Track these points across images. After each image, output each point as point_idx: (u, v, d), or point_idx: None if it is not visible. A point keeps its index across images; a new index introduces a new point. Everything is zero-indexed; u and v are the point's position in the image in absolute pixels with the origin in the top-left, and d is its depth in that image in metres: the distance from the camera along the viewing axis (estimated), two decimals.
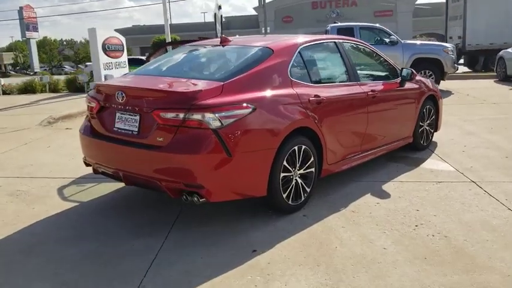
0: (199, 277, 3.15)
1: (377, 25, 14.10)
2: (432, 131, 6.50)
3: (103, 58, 14.75)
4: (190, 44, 5.12)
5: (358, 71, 5.07)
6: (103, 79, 14.54)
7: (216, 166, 3.53)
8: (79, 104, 11.45)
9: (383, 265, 3.25)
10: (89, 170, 5.44)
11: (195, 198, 3.59)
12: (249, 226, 3.93)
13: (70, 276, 3.21)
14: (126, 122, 3.86)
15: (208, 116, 3.49)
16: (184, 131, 3.53)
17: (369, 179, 5.14)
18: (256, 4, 67.70)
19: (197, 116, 3.49)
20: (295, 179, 4.11)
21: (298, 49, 4.40)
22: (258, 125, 3.74)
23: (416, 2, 69.34)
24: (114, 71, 15.15)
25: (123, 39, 16.13)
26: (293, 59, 4.28)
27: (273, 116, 3.86)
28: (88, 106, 4.30)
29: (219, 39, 4.64)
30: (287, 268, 3.22)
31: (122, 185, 4.97)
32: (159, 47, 6.50)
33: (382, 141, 5.37)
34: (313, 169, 4.28)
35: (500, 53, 15.40)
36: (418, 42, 14.60)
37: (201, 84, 3.71)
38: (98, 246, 3.64)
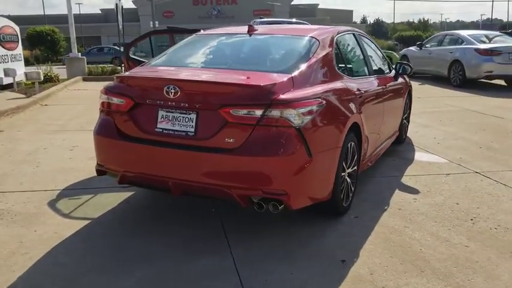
0: None
1: (295, 20, 14.25)
2: (407, 124, 6.65)
3: None
4: (205, 33, 4.52)
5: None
6: (1, 74, 12.69)
7: (299, 169, 3.10)
8: None
9: (483, 264, 3.11)
10: (71, 179, 4.67)
11: (272, 207, 3.13)
12: (310, 233, 3.54)
13: None
14: (176, 122, 3.23)
15: (291, 112, 3.04)
16: (261, 130, 3.03)
17: (382, 175, 5.03)
18: None
19: (278, 113, 3.02)
20: (346, 178, 3.82)
21: (335, 40, 4.10)
22: (328, 122, 3.38)
23: (292, 3, 72.68)
24: (11, 65, 13.32)
25: (17, 28, 14.30)
26: (333, 50, 3.98)
27: (337, 112, 3.53)
28: (107, 103, 3.54)
29: (246, 28, 4.14)
30: (395, 278, 2.93)
31: (125, 195, 4.26)
32: (142, 36, 5.70)
33: (387, 136, 5.31)
34: (356, 167, 4.03)
35: (403, 51, 16.56)
36: None
37: (271, 77, 3.23)
38: (157, 271, 2.98)
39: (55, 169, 5.02)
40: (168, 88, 3.17)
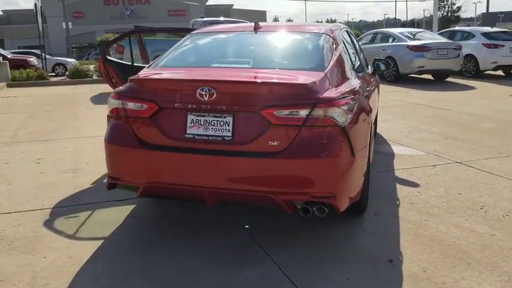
0: None
1: (223, 19, 14.16)
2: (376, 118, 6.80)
3: None
4: (211, 31, 4.23)
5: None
6: None
7: (345, 169, 3.00)
8: None
9: None
10: (56, 196, 4.23)
11: (318, 210, 2.98)
12: (342, 234, 3.46)
13: None
14: (209, 126, 2.98)
15: (336, 110, 2.92)
16: (307, 131, 2.88)
17: (374, 170, 5.04)
18: None
19: (324, 112, 2.89)
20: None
21: (342, 37, 4.05)
22: (361, 119, 3.31)
23: (207, 3, 72.44)
24: None
25: None
26: (343, 46, 3.93)
27: (365, 108, 3.48)
28: (120, 109, 3.19)
29: (253, 25, 3.94)
30: (448, 273, 2.91)
31: (126, 209, 3.91)
32: (121, 36, 5.22)
33: (374, 130, 5.36)
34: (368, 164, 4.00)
35: None
36: None
37: (310, 75, 3.09)
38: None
39: (31, 186, 4.49)
40: (201, 90, 2.91)
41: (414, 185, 4.57)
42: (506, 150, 5.81)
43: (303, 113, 2.86)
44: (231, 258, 3.10)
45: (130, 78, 3.25)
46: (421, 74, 13.94)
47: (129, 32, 5.31)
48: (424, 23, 68.25)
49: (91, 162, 5.26)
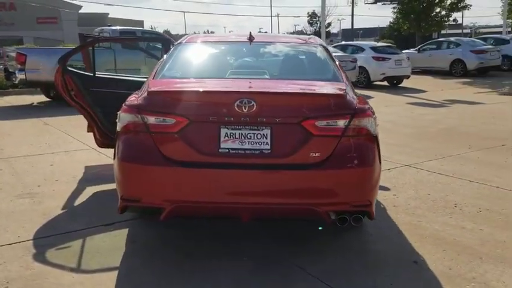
0: None
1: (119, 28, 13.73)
2: None
3: None
4: (205, 41, 4.00)
5: None
6: None
7: (377, 177, 3.07)
8: None
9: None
10: (28, 225, 3.73)
11: (354, 220, 3.01)
12: (355, 242, 3.56)
13: None
14: (245, 139, 2.84)
15: (369, 120, 3.00)
16: (347, 141, 2.90)
17: None
18: None
19: (361, 122, 2.95)
20: None
21: None
22: (378, 128, 3.42)
23: (80, 11, 68.75)
24: None
25: None
26: None
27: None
28: (139, 124, 2.89)
29: (248, 35, 3.82)
30: (472, 268, 3.12)
31: (120, 234, 3.57)
32: (84, 45, 4.59)
33: None
34: None
35: None
36: None
37: (340, 86, 3.11)
38: None
39: None
40: (240, 102, 2.78)
41: (384, 188, 4.81)
42: (437, 152, 6.36)
43: (344, 123, 2.89)
44: (272, 278, 2.99)
45: (150, 90, 2.96)
46: None
47: (88, 42, 4.81)
48: None
49: (43, 185, 4.68)
